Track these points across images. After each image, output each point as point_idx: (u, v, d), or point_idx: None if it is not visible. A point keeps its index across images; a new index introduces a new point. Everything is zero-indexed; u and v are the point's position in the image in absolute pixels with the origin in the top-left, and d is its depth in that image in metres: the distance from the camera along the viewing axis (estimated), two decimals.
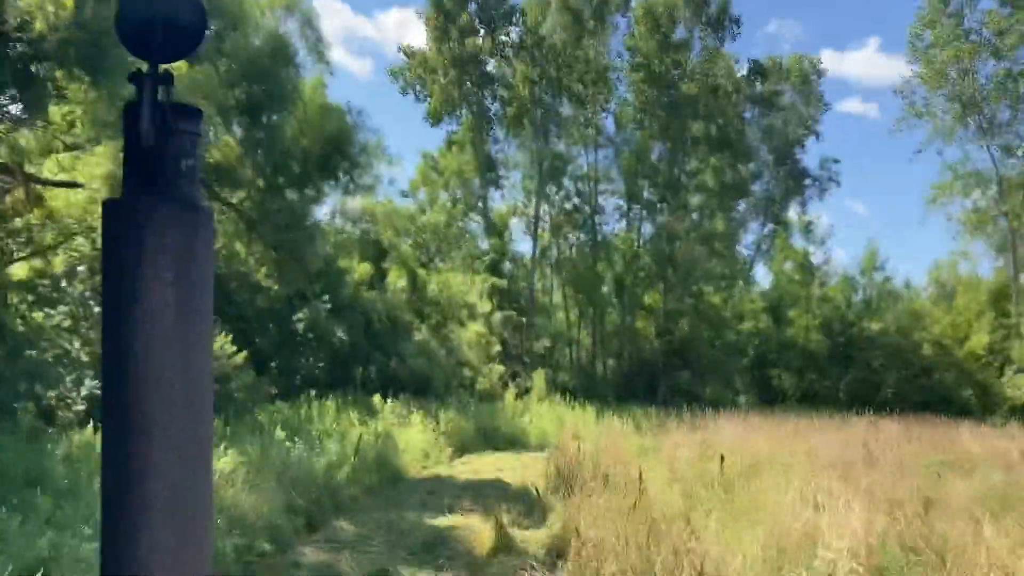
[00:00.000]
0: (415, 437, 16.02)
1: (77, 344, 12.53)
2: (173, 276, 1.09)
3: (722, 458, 10.81)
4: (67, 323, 12.89)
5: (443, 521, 9.68)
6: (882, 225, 66.22)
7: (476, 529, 9.01)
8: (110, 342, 1.09)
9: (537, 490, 11.10)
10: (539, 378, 25.49)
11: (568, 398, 25.03)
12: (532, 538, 8.63)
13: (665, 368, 33.86)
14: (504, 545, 8.14)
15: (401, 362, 21.67)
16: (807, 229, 40.08)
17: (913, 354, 35.60)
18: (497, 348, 26.05)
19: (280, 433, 13.32)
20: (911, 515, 6.87)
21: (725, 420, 20.59)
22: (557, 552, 7.65)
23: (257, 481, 9.54)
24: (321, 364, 21.66)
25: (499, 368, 24.86)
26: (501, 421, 20.28)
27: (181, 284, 1.13)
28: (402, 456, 14.60)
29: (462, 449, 17.46)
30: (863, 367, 35.23)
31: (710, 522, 7.52)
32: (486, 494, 11.86)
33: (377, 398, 18.05)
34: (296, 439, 12.89)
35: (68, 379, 11.92)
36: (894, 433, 17.71)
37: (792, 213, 40.59)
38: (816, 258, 39.58)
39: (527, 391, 25.04)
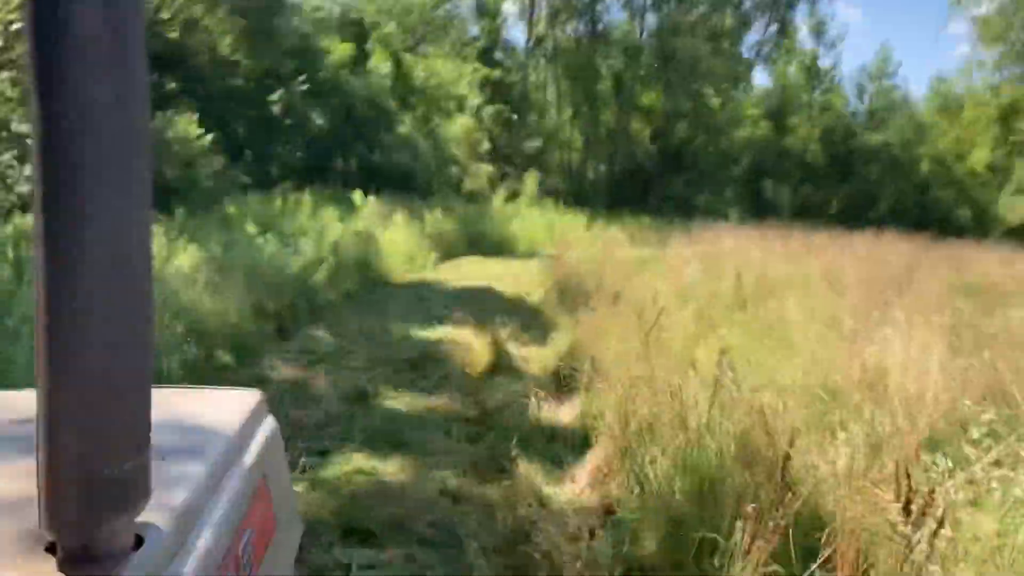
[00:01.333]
0: (398, 239, 14.96)
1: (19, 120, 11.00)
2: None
3: (739, 276, 9.86)
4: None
5: (431, 333, 8.75)
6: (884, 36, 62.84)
7: (469, 344, 8.10)
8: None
9: (537, 302, 10.17)
10: (530, 180, 24.20)
11: (558, 203, 23.91)
12: (535, 357, 7.74)
13: (658, 175, 32.62)
14: (503, 365, 7.23)
15: (383, 155, 20.26)
16: (818, 29, 37.53)
17: (912, 170, 34.54)
18: (486, 146, 24.53)
19: (251, 228, 12.18)
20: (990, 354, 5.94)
21: (724, 232, 19.71)
22: (564, 376, 6.75)
23: (221, 282, 8.49)
24: (298, 154, 20.22)
25: (487, 168, 23.47)
26: (489, 225, 19.22)
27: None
28: (384, 259, 13.59)
29: (448, 253, 16.48)
30: (860, 181, 34.21)
31: (742, 351, 6.61)
32: (478, 304, 10.95)
33: (357, 194, 16.80)
34: (269, 236, 11.78)
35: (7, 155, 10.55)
36: (905, 252, 16.88)
37: (799, 14, 37.89)
38: (824, 62, 37.40)
39: (516, 194, 23.82)
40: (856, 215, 32.85)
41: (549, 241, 21.05)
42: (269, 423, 1.62)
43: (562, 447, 5.30)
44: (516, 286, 12.85)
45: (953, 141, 34.76)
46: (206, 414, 1.50)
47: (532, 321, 9.52)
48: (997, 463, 3.63)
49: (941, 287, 10.92)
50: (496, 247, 18.70)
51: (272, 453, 1.55)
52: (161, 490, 1.05)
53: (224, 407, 1.54)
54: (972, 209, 33.23)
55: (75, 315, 0.85)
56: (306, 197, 16.27)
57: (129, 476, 0.92)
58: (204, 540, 1.11)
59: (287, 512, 1.63)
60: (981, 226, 32.36)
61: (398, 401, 6.20)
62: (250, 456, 1.43)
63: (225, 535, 1.19)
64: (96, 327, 0.86)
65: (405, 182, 21.71)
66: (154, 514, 1.02)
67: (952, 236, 24.79)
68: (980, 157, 34.24)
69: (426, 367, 7.25)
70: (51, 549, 0.95)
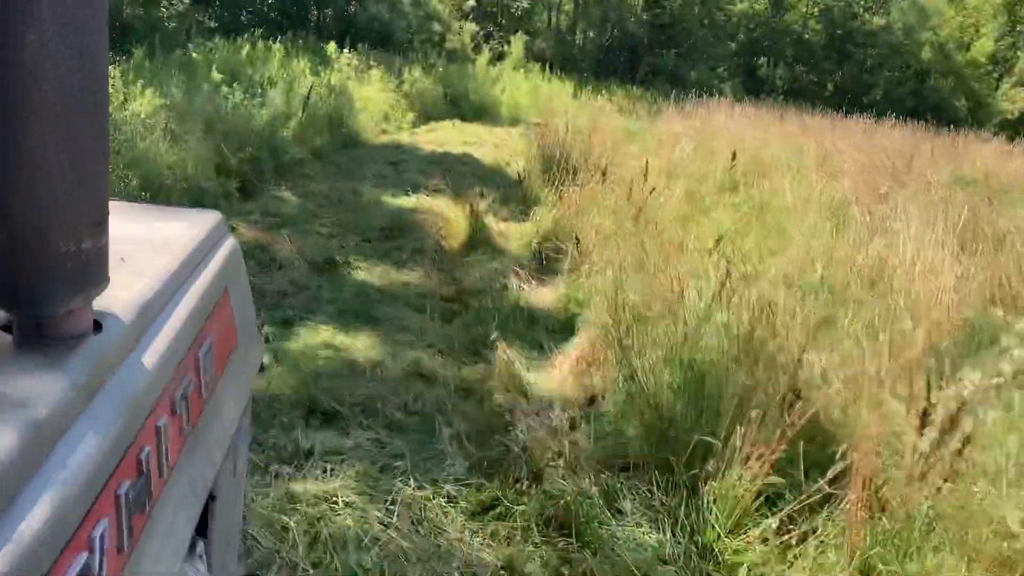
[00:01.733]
0: (374, 96, 14.18)
1: None
2: None
3: (733, 155, 9.41)
4: None
5: (405, 201, 8.27)
6: None
7: (446, 215, 7.67)
8: None
9: (520, 173, 9.67)
10: (516, 42, 23.05)
11: (545, 69, 22.90)
12: (515, 233, 7.35)
13: (649, 46, 31.38)
14: (481, 239, 6.83)
15: (361, 7, 19.09)
16: None
17: (912, 56, 33.57)
18: (471, 3, 23.23)
19: (216, 75, 11.39)
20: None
21: (717, 108, 19.06)
22: (546, 256, 6.39)
23: (182, 132, 7.89)
24: (270, 0, 19.01)
25: (471, 27, 22.26)
26: (471, 88, 18.32)
27: None
28: (358, 117, 12.88)
29: (426, 115, 15.73)
30: (857, 65, 33.26)
31: (735, 240, 6.26)
32: (456, 171, 10.42)
33: (332, 46, 15.83)
34: (235, 85, 11.03)
35: None
36: (898, 140, 16.40)
37: None
38: None
39: (501, 56, 22.73)
40: (851, 99, 32.11)
41: (534, 108, 20.27)
42: (230, 243, 1.61)
43: (543, 332, 4.98)
44: (497, 154, 12.29)
45: (957, 29, 33.68)
46: (167, 227, 1.48)
47: (514, 193, 9.06)
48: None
49: (942, 178, 10.57)
50: (477, 111, 17.92)
51: (233, 270, 1.56)
52: (121, 286, 1.05)
53: (185, 222, 1.53)
54: (969, 100, 32.54)
55: (24, 75, 0.81)
56: (278, 45, 15.31)
57: (86, 255, 0.90)
58: (163, 337, 1.11)
59: (248, 330, 1.64)
60: (976, 117, 31.81)
61: (369, 273, 5.81)
62: (211, 268, 1.43)
63: (184, 336, 1.19)
64: (47, 91, 0.83)
65: (383, 37, 20.56)
66: (114, 304, 1.02)
67: (947, 126, 24.28)
68: (983, 47, 33.28)
69: (399, 237, 6.83)
70: (7, 328, 0.94)
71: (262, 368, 1.86)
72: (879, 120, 21.09)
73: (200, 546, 1.42)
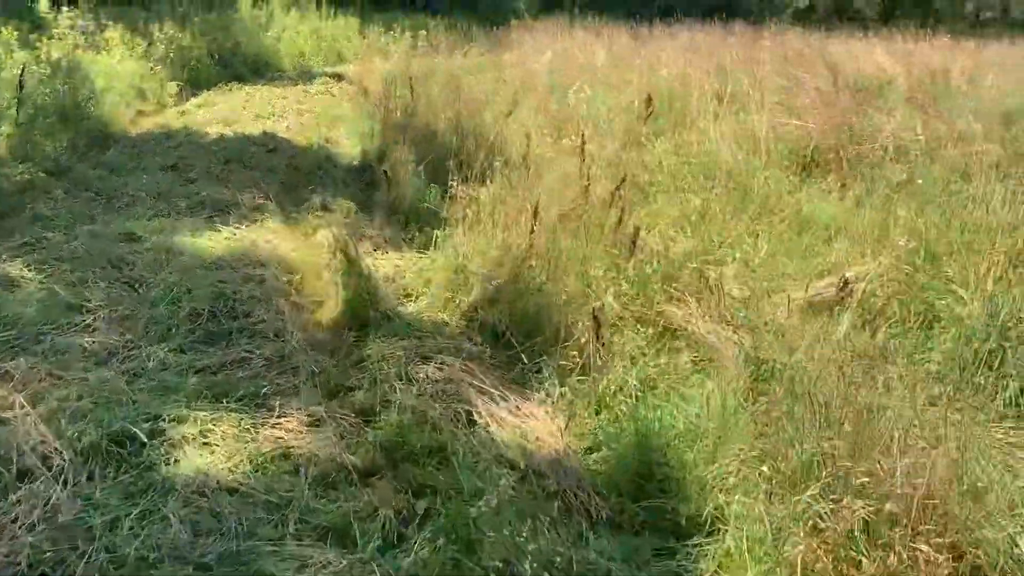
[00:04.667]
0: (119, 68, 10.68)
1: None
2: None
3: (649, 100, 7.17)
4: None
5: (212, 243, 5.34)
6: None
7: (289, 262, 4.98)
8: None
9: (363, 159, 6.99)
10: None
11: (320, 5, 19.60)
12: (413, 278, 4.78)
13: None
14: (370, 305, 4.22)
15: None
16: None
17: None
18: None
19: None
20: None
21: (525, 32, 16.84)
22: (496, 326, 3.93)
23: None
24: None
25: None
26: (241, 39, 14.92)
27: None
28: (103, 100, 9.48)
29: (193, 81, 12.33)
30: None
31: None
32: (267, 166, 7.53)
33: (44, 3, 11.99)
34: None
35: None
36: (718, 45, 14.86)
37: None
38: None
39: None
40: (643, 3, 31.02)
41: (319, 55, 17.17)
42: None
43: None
44: (310, 129, 9.41)
45: None
46: None
47: (368, 195, 6.43)
48: None
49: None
50: (254, 67, 14.63)
51: None
52: None
53: None
54: None
55: None
56: None
57: None
58: None
59: None
60: (766, 8, 31.66)
61: (204, 453, 3.07)
62: None
63: None
64: None
65: None
66: None
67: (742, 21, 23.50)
68: None
69: (227, 335, 4.04)
70: None
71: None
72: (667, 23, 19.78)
73: None
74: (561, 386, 3.32)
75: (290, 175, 7.39)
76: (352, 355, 3.91)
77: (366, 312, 4.19)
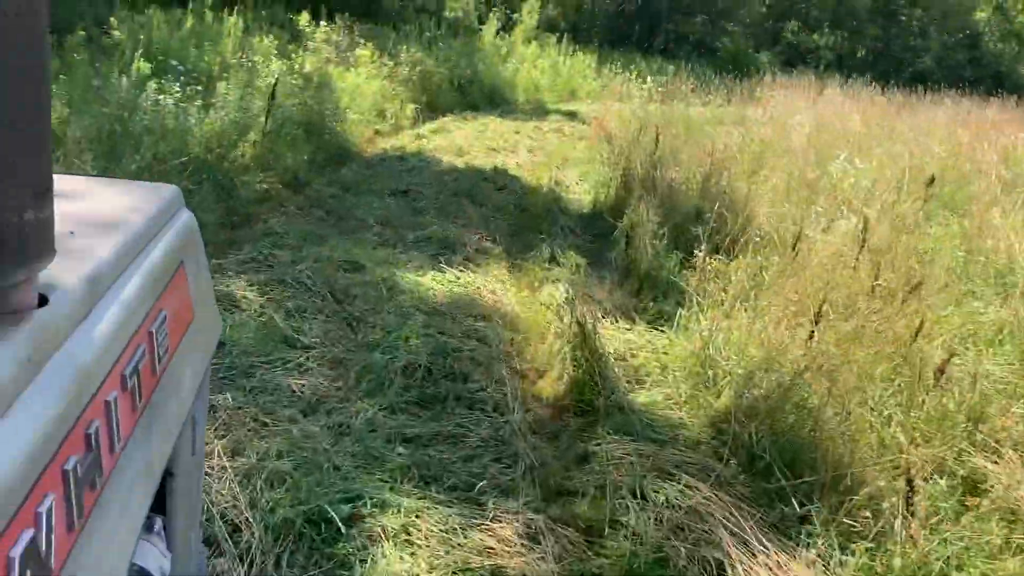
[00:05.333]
0: (363, 85, 10.95)
1: None
2: None
3: (932, 180, 6.28)
4: None
5: (436, 285, 5.04)
6: None
7: (512, 316, 4.58)
8: None
9: (596, 207, 6.55)
10: (529, 9, 19.66)
11: (561, 41, 19.62)
12: (650, 361, 4.21)
13: (671, 8, 28.10)
14: (601, 388, 3.71)
15: None
16: None
17: (963, 17, 30.45)
18: None
19: (142, 64, 8.16)
20: None
21: (778, 88, 15.98)
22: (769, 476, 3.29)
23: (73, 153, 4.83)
24: None
25: None
26: (480, 67, 15.08)
27: None
28: (345, 117, 9.67)
29: (430, 106, 12.49)
30: (905, 29, 30.10)
31: None
32: (493, 203, 7.27)
33: (304, 17, 12.58)
34: (168, 78, 7.84)
35: None
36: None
37: None
38: None
39: (510, 25, 19.42)
40: (897, 69, 29.13)
41: (553, 90, 17.09)
42: (186, 216, 1.55)
43: None
44: (539, 167, 9.13)
45: None
46: (120, 199, 1.44)
47: (601, 253, 5.94)
48: None
49: None
50: (488, 97, 14.69)
51: (190, 244, 1.53)
52: (70, 259, 1.05)
53: (139, 195, 1.49)
54: None
55: None
56: (233, 18, 12.05)
57: (29, 227, 0.88)
58: (113, 311, 1.10)
59: (206, 306, 1.62)
60: None
61: (400, 553, 2.66)
62: (166, 241, 1.39)
63: (137, 309, 1.18)
64: None
65: (367, 4, 17.26)
66: (61, 278, 1.00)
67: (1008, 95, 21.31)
68: None
69: (446, 397, 3.65)
70: None
71: (221, 344, 1.70)
72: (935, 91, 18.12)
73: (158, 523, 1.42)
74: (842, 552, 2.64)
75: (518, 217, 7.08)
76: (576, 448, 3.39)
77: (594, 397, 3.67)
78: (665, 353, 4.24)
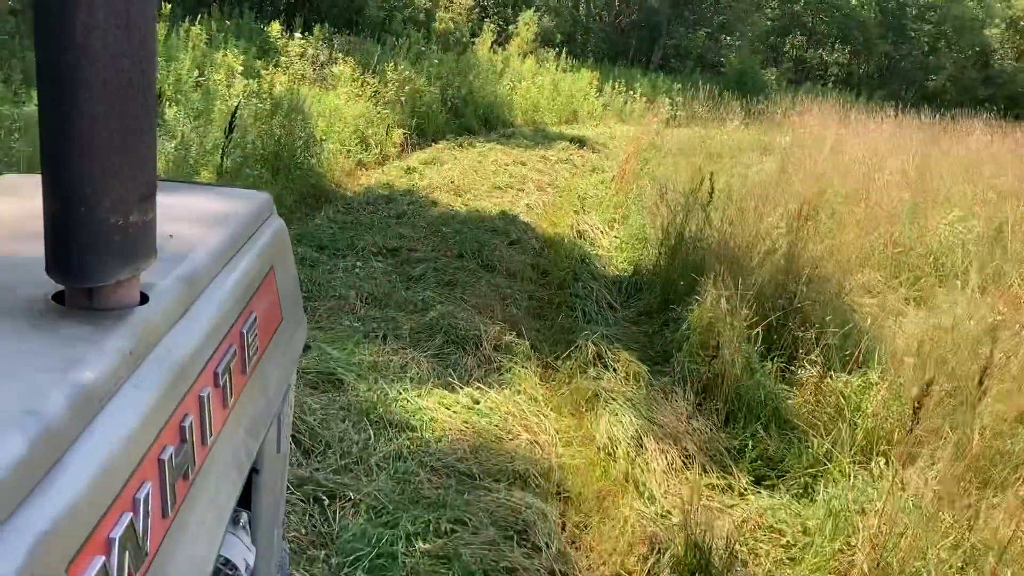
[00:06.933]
0: (344, 108, 9.52)
1: None
2: None
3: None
4: None
5: (439, 416, 3.65)
6: None
7: (565, 480, 3.18)
8: None
9: (640, 278, 5.18)
10: (527, 22, 18.25)
11: (559, 56, 18.28)
12: None
13: (671, 21, 26.89)
14: None
15: None
16: None
17: (975, 33, 29.45)
18: None
19: None
20: None
21: (802, 109, 14.75)
22: None
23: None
24: None
25: (466, 1, 17.51)
26: (475, 84, 13.67)
27: None
28: (321, 147, 8.25)
29: (420, 129, 11.08)
30: (916, 46, 29.04)
31: None
32: (507, 265, 5.86)
33: (275, 27, 11.17)
34: None
35: None
36: None
37: None
38: None
39: (503, 39, 18.05)
40: (907, 87, 28.07)
41: (552, 110, 15.73)
42: (277, 223, 1.61)
43: None
44: (563, 213, 7.73)
45: None
46: (213, 205, 1.51)
47: (673, 358, 4.52)
48: None
49: None
50: (484, 118, 13.29)
51: (279, 249, 1.58)
52: (169, 261, 1.10)
53: (231, 201, 1.55)
54: None
55: (76, 52, 0.84)
56: (196, 28, 10.62)
57: (134, 229, 0.93)
58: (207, 311, 1.14)
59: (294, 309, 1.66)
60: None
61: None
62: (258, 246, 1.44)
63: (229, 310, 1.22)
64: (97, 67, 0.86)
65: (349, 14, 15.86)
66: (161, 278, 1.06)
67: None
68: None
69: None
70: (58, 297, 0.98)
71: (307, 348, 1.74)
72: (954, 111, 16.97)
73: (244, 517, 1.45)
74: None
75: (540, 287, 5.67)
76: None
77: None
78: (803, 548, 2.84)
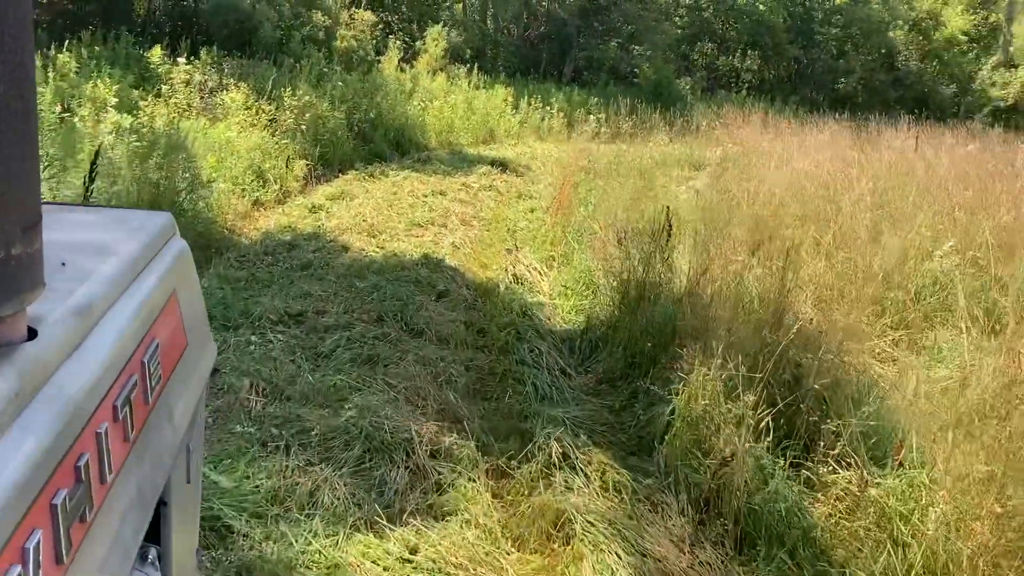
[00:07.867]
0: (238, 140, 8.47)
1: None
2: None
3: None
4: None
5: (373, 570, 2.74)
6: None
7: None
8: None
9: (590, 338, 4.36)
10: (435, 37, 17.33)
11: (471, 73, 17.46)
12: None
13: (581, 33, 26.38)
14: None
15: None
16: None
17: (880, 36, 29.85)
18: None
19: None
20: None
21: (726, 120, 14.26)
22: None
23: None
24: None
25: (369, 17, 16.51)
26: (383, 106, 12.70)
27: None
28: (210, 190, 7.19)
29: (324, 160, 10.07)
30: (824, 50, 29.25)
31: None
32: (438, 331, 4.94)
33: (157, 52, 10.00)
34: None
35: None
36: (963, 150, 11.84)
37: None
38: None
39: (411, 56, 17.11)
40: (820, 91, 28.20)
41: (468, 129, 14.87)
42: (179, 243, 1.56)
43: None
44: (493, 252, 6.85)
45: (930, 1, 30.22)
46: (110, 228, 1.46)
47: (654, 451, 3.67)
48: None
49: None
50: (395, 142, 12.33)
51: (182, 271, 1.53)
52: (60, 291, 1.05)
53: (129, 223, 1.49)
54: (957, 84, 28.99)
55: None
56: (64, 55, 9.43)
57: (17, 261, 0.89)
58: (103, 342, 1.10)
59: (200, 332, 1.60)
60: (964, 106, 28.41)
61: None
62: (158, 269, 1.40)
63: (129, 339, 1.18)
64: None
65: (241, 36, 14.70)
66: (51, 310, 1.00)
67: (931, 118, 20.34)
68: (957, 23, 29.96)
69: None
70: None
71: (215, 371, 1.75)
72: (863, 115, 16.86)
73: (152, 553, 1.41)
74: None
75: (478, 351, 4.77)
76: None
77: None
78: None
